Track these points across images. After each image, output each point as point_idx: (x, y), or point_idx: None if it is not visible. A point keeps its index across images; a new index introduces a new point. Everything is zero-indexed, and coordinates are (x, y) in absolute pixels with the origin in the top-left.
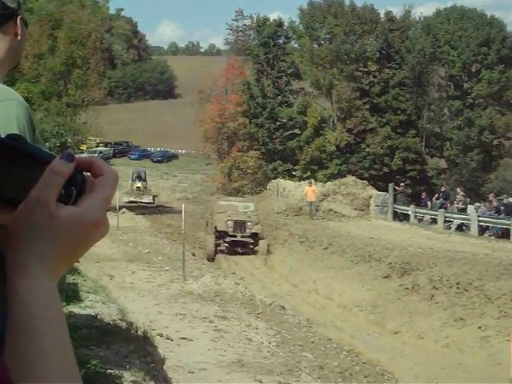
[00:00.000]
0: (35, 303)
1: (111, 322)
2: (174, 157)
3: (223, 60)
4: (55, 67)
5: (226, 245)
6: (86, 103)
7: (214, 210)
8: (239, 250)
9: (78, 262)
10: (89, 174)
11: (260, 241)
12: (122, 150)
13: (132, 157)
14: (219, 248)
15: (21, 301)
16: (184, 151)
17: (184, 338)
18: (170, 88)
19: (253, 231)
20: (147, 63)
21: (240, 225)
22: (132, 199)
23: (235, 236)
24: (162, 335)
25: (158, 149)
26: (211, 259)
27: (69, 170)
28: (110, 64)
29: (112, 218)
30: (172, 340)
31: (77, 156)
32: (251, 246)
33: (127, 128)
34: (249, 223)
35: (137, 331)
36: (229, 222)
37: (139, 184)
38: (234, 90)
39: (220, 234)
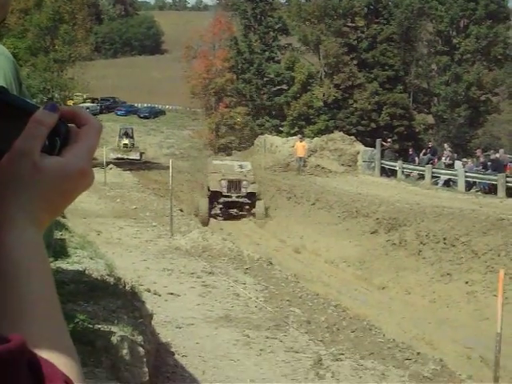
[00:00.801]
0: (20, 253)
1: (99, 278)
2: (161, 113)
3: (210, 15)
4: (42, 22)
5: (220, 206)
6: (72, 59)
7: (208, 170)
8: (234, 212)
9: (64, 216)
10: (73, 124)
11: (257, 202)
12: (108, 105)
13: (119, 113)
14: (213, 212)
15: (5, 250)
16: (171, 107)
17: (172, 294)
18: (156, 43)
19: (249, 191)
20: (134, 18)
21: (235, 184)
22: (119, 156)
23: (230, 196)
24: (149, 290)
25: (145, 105)
26: (205, 224)
27: (52, 120)
28: (96, 19)
29: (99, 174)
30: (160, 295)
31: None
32: (247, 207)
33: (114, 84)
34: (244, 182)
35: (125, 286)
36: (222, 182)
37: (126, 141)
38: (222, 46)
39: (213, 195)
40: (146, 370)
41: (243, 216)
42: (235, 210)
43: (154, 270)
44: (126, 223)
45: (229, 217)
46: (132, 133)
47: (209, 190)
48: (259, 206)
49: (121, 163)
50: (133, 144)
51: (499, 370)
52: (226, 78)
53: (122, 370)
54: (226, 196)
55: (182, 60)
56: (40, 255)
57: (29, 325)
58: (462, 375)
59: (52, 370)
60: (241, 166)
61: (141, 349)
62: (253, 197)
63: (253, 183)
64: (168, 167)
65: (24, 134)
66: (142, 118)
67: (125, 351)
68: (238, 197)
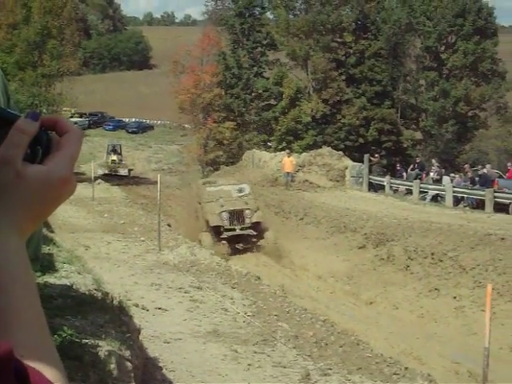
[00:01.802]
0: (3, 260)
1: (87, 292)
2: (150, 128)
3: (199, 30)
4: (30, 37)
5: (225, 242)
6: (61, 74)
7: (202, 198)
8: (240, 246)
9: (52, 231)
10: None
11: (266, 232)
12: (97, 120)
13: (107, 127)
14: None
15: None
16: (159, 122)
17: (159, 308)
18: (145, 58)
19: (254, 220)
20: (122, 34)
21: (237, 215)
22: (107, 172)
23: (233, 230)
24: (137, 305)
25: (133, 119)
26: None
27: (34, 129)
28: (85, 34)
29: (87, 189)
30: (148, 310)
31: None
32: (254, 240)
33: (102, 99)
34: (247, 211)
35: (112, 301)
36: (223, 214)
37: (114, 157)
38: (210, 61)
39: (214, 230)
40: None
41: (249, 250)
42: (241, 244)
43: (142, 285)
44: (114, 238)
45: (235, 252)
46: (120, 149)
47: (208, 224)
48: (268, 237)
49: (109, 178)
50: (121, 160)
51: None
52: (214, 93)
53: None
54: (228, 230)
55: (170, 75)
56: (23, 263)
57: (15, 332)
58: None
59: (39, 378)
60: (239, 190)
61: (128, 363)
62: (258, 227)
63: (256, 211)
64: (156, 182)
65: (6, 143)
66: (130, 132)
67: (112, 366)
68: (242, 229)
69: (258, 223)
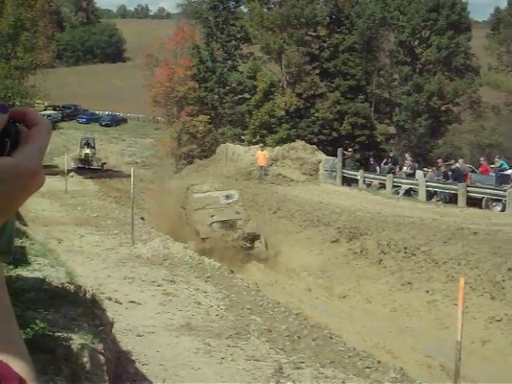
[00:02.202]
0: None
1: (59, 286)
2: (123, 121)
3: (173, 24)
4: (3, 29)
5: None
6: (34, 66)
7: (189, 205)
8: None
9: (25, 224)
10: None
11: (257, 242)
12: (70, 113)
13: (80, 120)
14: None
15: None
16: (133, 115)
17: (133, 302)
18: (118, 51)
19: (247, 231)
20: (96, 26)
21: (229, 226)
22: (80, 165)
23: (226, 242)
24: (110, 299)
25: (107, 112)
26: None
27: (2, 121)
28: (58, 27)
29: (61, 182)
30: (121, 303)
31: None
32: (246, 252)
33: (76, 91)
34: (239, 222)
35: (85, 294)
36: (214, 225)
37: (88, 151)
38: (184, 54)
39: (206, 241)
40: (107, 378)
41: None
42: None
43: (115, 278)
44: (87, 231)
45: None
46: (94, 143)
47: (198, 234)
48: (258, 245)
49: (82, 171)
50: (94, 154)
51: (459, 378)
52: (188, 86)
53: (83, 378)
54: (220, 242)
55: (144, 68)
56: None
57: None
58: None
59: (7, 371)
60: (227, 197)
61: (101, 357)
62: (252, 238)
63: (249, 220)
64: (129, 175)
65: None
66: (103, 126)
67: (85, 359)
68: (234, 240)
69: (251, 234)
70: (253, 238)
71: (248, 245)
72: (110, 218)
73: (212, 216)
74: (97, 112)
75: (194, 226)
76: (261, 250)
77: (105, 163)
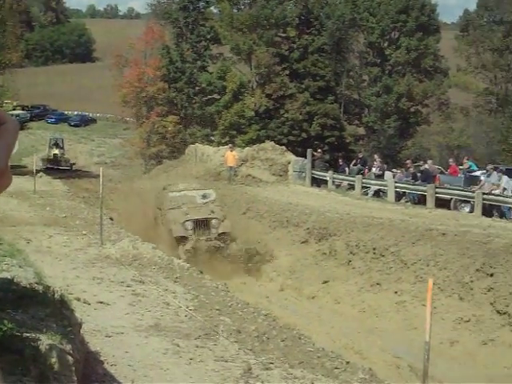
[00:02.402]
0: None
1: (28, 286)
2: (92, 121)
3: (143, 24)
4: None
5: (189, 255)
6: (3, 66)
7: (164, 205)
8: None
9: None
10: None
11: (232, 244)
12: (39, 113)
13: (49, 120)
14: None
15: None
16: (102, 115)
17: (101, 302)
18: (88, 51)
19: (220, 231)
20: (65, 26)
21: (202, 224)
22: (49, 166)
23: (199, 240)
24: (79, 299)
25: (76, 112)
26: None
27: None
28: (27, 26)
29: (29, 182)
30: (89, 304)
31: None
32: (220, 253)
33: (45, 91)
34: (213, 221)
35: (54, 295)
36: (187, 224)
37: (56, 151)
38: (153, 55)
39: (178, 240)
40: (75, 378)
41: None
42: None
43: (84, 279)
44: (55, 231)
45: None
46: (62, 143)
47: (170, 234)
48: (233, 248)
49: (51, 172)
50: (63, 154)
51: (428, 378)
52: (158, 86)
53: (51, 378)
54: (193, 241)
55: (113, 68)
56: None
57: None
58: None
59: None
60: (204, 196)
61: (70, 357)
62: (226, 238)
63: (224, 220)
64: (98, 175)
65: None
66: (72, 126)
67: (53, 360)
68: (207, 239)
69: (225, 234)
70: (227, 238)
71: (221, 245)
72: (79, 218)
73: (186, 214)
74: (66, 112)
75: (167, 226)
76: (235, 251)
77: (74, 163)
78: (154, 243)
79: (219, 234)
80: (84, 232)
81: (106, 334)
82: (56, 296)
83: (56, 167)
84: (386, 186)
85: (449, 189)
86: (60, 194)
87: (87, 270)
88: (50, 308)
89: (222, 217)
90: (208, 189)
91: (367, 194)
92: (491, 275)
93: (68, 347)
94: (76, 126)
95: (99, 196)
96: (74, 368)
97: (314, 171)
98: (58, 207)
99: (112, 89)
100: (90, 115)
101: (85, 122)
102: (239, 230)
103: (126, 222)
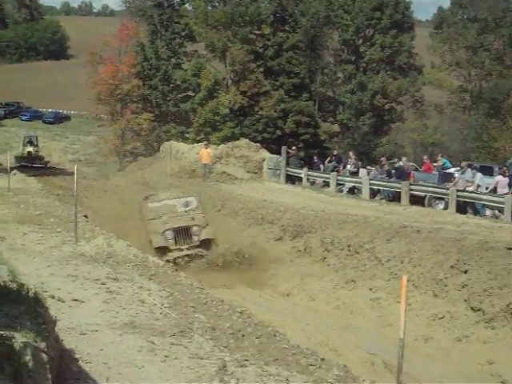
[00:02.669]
0: None
1: (1, 284)
2: (66, 118)
3: (117, 21)
4: None
5: (172, 265)
6: None
7: (144, 216)
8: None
9: None
10: None
11: (213, 247)
12: (13, 110)
13: (23, 118)
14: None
15: None
16: (76, 112)
17: (76, 300)
18: (62, 48)
19: (202, 238)
20: (39, 23)
21: (183, 232)
22: (23, 163)
23: (180, 250)
24: (53, 297)
25: (50, 110)
26: None
27: None
28: (1, 23)
29: (3, 180)
30: (64, 302)
31: None
32: (204, 260)
33: (19, 88)
34: (194, 228)
35: (28, 293)
36: (167, 233)
37: (30, 149)
38: (128, 52)
39: (159, 251)
40: (50, 376)
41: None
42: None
43: (58, 277)
44: (29, 229)
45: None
46: (36, 141)
47: (152, 245)
48: (215, 250)
49: (25, 169)
50: (37, 152)
51: (402, 375)
52: (132, 83)
53: (25, 376)
54: (175, 249)
55: (88, 65)
56: None
57: None
58: (365, 381)
59: None
60: (185, 204)
61: (44, 355)
62: (209, 244)
63: (205, 226)
64: (73, 173)
65: None
66: (46, 123)
67: (27, 357)
68: (190, 248)
69: (207, 240)
70: (210, 244)
71: (204, 252)
72: (54, 215)
73: (166, 224)
74: (40, 109)
75: (148, 237)
76: (217, 255)
77: (48, 161)
78: (129, 240)
79: (201, 241)
80: (58, 229)
81: (81, 332)
82: (30, 294)
83: (30, 165)
84: (360, 183)
85: (423, 186)
86: (34, 191)
87: (62, 267)
88: (24, 306)
89: (203, 223)
90: (189, 196)
91: (342, 191)
92: (465, 272)
93: (42, 345)
94: (50, 123)
95: (74, 193)
96: (48, 366)
97: (288, 168)
98: (32, 205)
99: (86, 86)
100: (65, 112)
101: (59, 119)
102: (214, 227)
103: (101, 219)
